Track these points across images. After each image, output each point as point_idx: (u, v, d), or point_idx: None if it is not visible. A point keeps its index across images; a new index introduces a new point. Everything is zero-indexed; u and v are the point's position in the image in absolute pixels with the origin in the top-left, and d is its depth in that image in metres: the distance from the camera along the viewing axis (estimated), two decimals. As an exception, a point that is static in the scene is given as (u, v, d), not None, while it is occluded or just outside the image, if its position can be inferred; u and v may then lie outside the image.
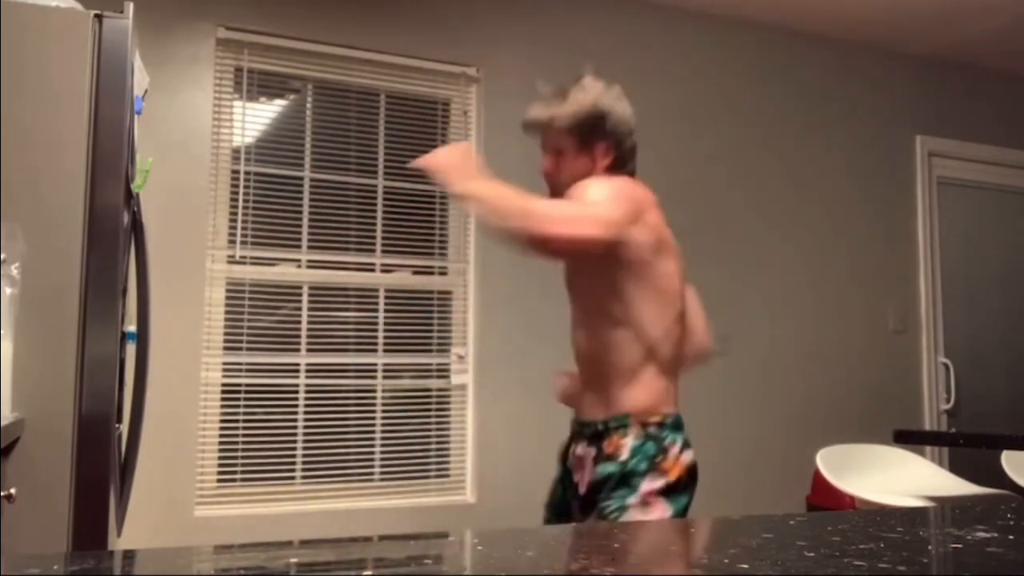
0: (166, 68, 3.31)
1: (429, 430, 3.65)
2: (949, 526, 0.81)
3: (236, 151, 3.46)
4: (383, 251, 3.64)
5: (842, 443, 3.25)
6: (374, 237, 3.64)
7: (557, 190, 1.97)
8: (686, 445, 1.88)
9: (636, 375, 1.86)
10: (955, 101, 4.88)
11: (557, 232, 1.70)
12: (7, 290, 1.64)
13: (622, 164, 1.99)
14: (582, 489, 1.88)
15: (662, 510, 1.80)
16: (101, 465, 1.71)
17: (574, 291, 1.98)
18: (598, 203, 1.81)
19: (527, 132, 2.05)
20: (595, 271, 1.87)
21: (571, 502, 1.95)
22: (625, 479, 1.80)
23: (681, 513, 1.83)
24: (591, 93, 1.97)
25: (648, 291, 1.86)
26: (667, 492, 1.81)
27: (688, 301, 2.05)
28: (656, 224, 1.90)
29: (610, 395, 1.88)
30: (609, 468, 1.82)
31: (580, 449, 1.91)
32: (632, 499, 1.79)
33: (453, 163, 1.82)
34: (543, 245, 1.71)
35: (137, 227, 2.24)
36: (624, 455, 1.81)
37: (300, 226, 3.52)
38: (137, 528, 3.04)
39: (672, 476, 1.82)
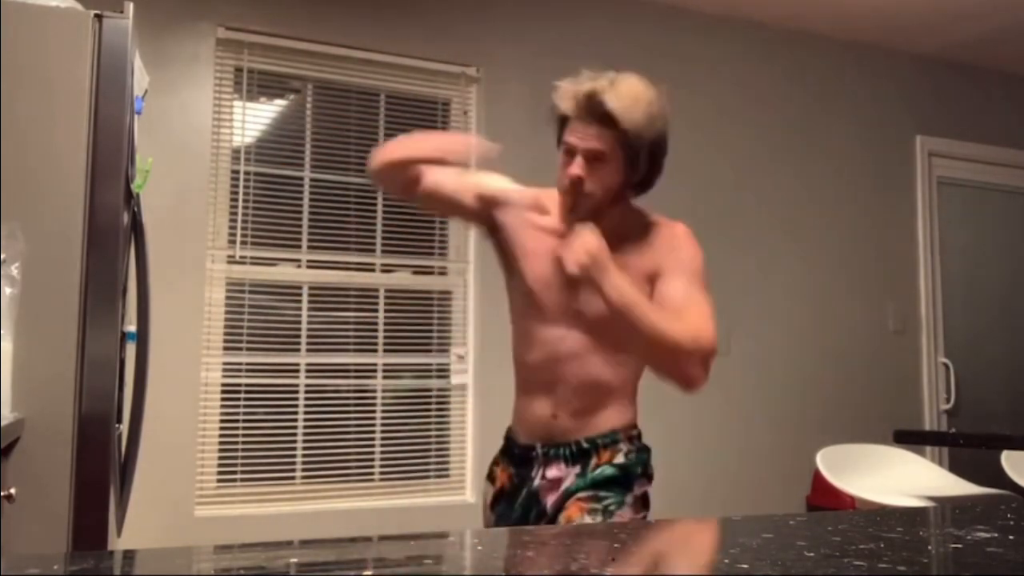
0: (166, 68, 3.31)
1: (429, 430, 3.65)
2: (949, 526, 0.81)
3: (236, 151, 3.46)
4: (383, 251, 3.64)
5: (842, 443, 3.24)
6: (374, 237, 3.63)
7: (576, 203, 1.74)
8: None
9: (628, 393, 1.87)
10: (955, 101, 4.87)
11: (701, 377, 1.69)
12: (7, 290, 1.64)
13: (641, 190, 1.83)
14: (551, 508, 1.82)
15: (645, 513, 1.84)
16: (101, 465, 1.71)
17: (582, 317, 1.80)
18: (708, 305, 1.74)
19: (565, 111, 1.73)
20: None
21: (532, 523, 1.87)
22: (625, 480, 1.81)
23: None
24: (664, 111, 1.73)
25: None
26: (647, 498, 1.84)
27: None
28: None
29: (598, 416, 1.83)
30: (608, 471, 1.81)
31: (554, 471, 1.82)
32: (629, 497, 1.79)
33: (599, 253, 1.67)
34: (689, 387, 1.70)
35: (137, 227, 2.24)
36: (621, 460, 1.82)
37: (300, 226, 3.52)
38: (137, 528, 3.04)
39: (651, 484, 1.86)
